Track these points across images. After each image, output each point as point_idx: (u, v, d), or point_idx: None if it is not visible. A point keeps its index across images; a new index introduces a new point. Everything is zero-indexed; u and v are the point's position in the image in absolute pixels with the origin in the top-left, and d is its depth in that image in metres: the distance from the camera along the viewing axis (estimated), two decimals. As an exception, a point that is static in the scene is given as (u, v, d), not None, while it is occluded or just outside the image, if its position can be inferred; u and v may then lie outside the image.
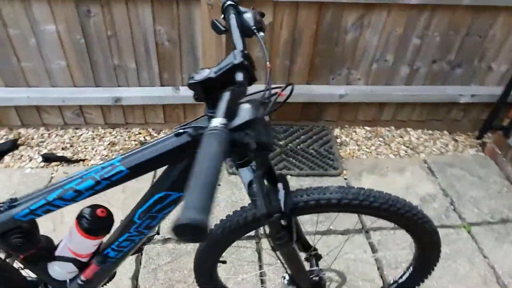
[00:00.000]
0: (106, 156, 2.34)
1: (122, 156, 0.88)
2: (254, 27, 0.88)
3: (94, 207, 0.99)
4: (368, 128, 2.68)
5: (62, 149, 2.37)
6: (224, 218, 1.13)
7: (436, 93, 2.51)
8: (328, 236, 1.89)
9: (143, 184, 1.23)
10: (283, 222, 1.01)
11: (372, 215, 1.09)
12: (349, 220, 1.96)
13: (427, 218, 1.13)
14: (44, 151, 2.34)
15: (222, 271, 1.71)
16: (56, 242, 1.10)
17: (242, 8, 0.95)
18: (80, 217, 0.98)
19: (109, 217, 1.01)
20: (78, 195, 0.89)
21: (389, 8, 2.16)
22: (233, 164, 0.92)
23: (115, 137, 2.48)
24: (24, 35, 2.09)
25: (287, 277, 1.25)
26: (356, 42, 2.29)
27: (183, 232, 0.46)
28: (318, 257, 1.33)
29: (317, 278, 1.24)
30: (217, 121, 0.59)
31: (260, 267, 1.76)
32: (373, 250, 1.86)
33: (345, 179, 2.27)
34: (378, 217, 1.12)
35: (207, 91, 0.76)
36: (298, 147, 2.45)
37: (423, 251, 1.24)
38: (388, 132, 2.68)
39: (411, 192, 2.19)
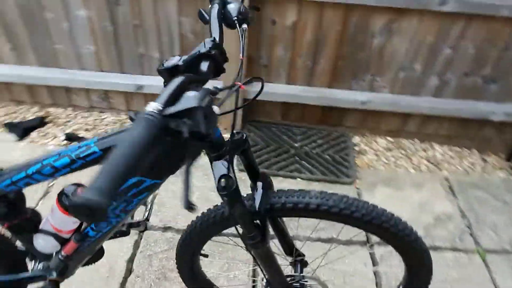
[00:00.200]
0: (124, 141, 2.41)
1: (99, 138, 0.89)
2: (235, 18, 0.86)
3: (76, 185, 1.02)
4: (390, 139, 2.57)
5: (85, 130, 2.47)
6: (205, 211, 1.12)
7: (467, 108, 2.35)
8: (326, 244, 1.83)
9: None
10: (256, 221, 0.99)
11: (354, 226, 1.04)
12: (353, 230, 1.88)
13: (416, 235, 1.07)
14: (69, 130, 2.45)
15: (215, 267, 1.71)
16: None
17: None
18: (61, 194, 1.01)
19: None
20: (55, 171, 0.91)
21: (421, 14, 2.06)
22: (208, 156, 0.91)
23: (135, 124, 2.55)
24: (59, 18, 2.20)
25: (265, 279, 1.22)
26: (383, 48, 2.20)
27: (78, 210, 0.45)
28: (304, 264, 1.30)
29: (297, 284, 1.21)
30: (152, 106, 0.58)
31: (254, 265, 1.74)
32: (374, 263, 1.78)
33: (357, 188, 2.19)
34: (361, 229, 1.07)
35: None
36: (313, 151, 2.40)
37: (410, 271, 1.17)
38: (411, 144, 2.55)
39: (426, 210, 2.07)
